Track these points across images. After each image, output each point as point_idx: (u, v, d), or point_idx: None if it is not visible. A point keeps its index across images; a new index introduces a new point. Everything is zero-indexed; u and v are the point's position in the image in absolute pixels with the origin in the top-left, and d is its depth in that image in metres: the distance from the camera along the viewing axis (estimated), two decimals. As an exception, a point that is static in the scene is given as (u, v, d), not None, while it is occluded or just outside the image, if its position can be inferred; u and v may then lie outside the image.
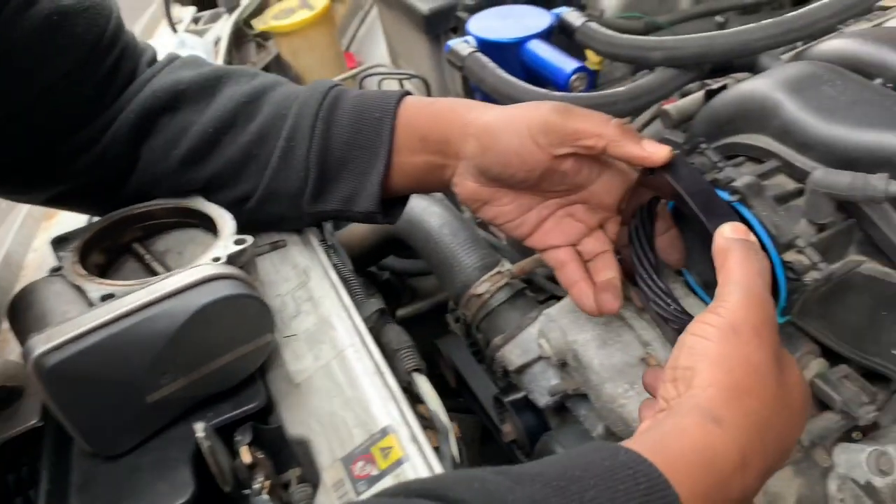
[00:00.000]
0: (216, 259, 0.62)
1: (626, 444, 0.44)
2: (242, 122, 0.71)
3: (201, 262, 0.61)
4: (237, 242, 0.64)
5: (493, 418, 0.96)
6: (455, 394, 1.12)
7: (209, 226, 0.69)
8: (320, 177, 0.69)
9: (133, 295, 0.57)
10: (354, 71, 1.24)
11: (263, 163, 0.70)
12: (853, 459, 0.65)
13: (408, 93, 0.72)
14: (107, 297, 0.58)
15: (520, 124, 0.62)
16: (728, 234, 0.52)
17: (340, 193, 0.70)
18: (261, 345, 0.61)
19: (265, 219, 0.73)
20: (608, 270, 0.66)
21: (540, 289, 0.95)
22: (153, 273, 0.67)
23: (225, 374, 0.59)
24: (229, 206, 0.71)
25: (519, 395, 0.87)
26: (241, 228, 0.67)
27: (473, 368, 1.04)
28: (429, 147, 0.68)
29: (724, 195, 0.59)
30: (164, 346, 0.55)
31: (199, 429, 0.53)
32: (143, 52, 0.75)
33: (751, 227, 0.58)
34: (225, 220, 0.68)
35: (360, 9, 1.69)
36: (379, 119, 0.68)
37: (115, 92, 0.70)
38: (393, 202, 0.73)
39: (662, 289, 0.65)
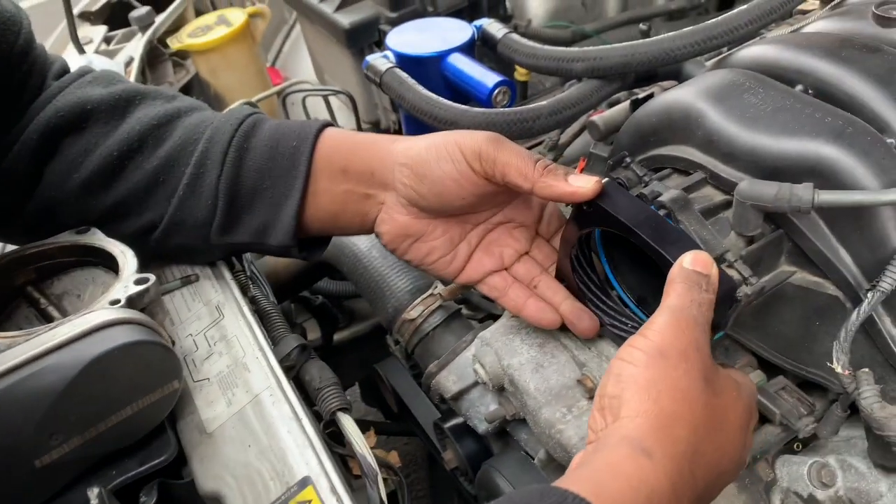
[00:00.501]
0: (114, 302, 0.57)
1: (567, 483, 0.43)
2: (151, 146, 0.66)
3: (97, 307, 0.56)
4: (138, 282, 0.59)
5: (435, 444, 0.92)
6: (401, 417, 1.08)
7: (111, 263, 0.64)
8: (230, 206, 0.65)
9: (17, 349, 0.51)
10: (276, 88, 1.19)
11: (171, 190, 0.66)
12: (795, 472, 0.64)
13: (330, 123, 0.68)
14: (-12, 352, 0.52)
15: (454, 151, 0.60)
16: (686, 265, 0.51)
17: (252, 225, 0.66)
18: (167, 393, 0.56)
19: (173, 251, 0.69)
20: (557, 295, 0.65)
21: (477, 307, 0.93)
22: (49, 319, 0.61)
23: (127, 428, 0.54)
24: (135, 237, 0.66)
25: (459, 421, 0.84)
26: (150, 260, 0.61)
27: (414, 392, 1.01)
28: (351, 178, 0.65)
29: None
30: (52, 404, 0.50)
31: (93, 495, 0.48)
32: (52, 64, 0.70)
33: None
34: (126, 258, 0.62)
35: (285, 23, 1.64)
36: (296, 147, 0.65)
37: (22, 108, 0.66)
38: (312, 241, 0.69)
39: (616, 309, 0.64)
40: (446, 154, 0.60)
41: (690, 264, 0.51)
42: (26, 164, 0.65)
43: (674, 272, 0.51)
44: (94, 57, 1.13)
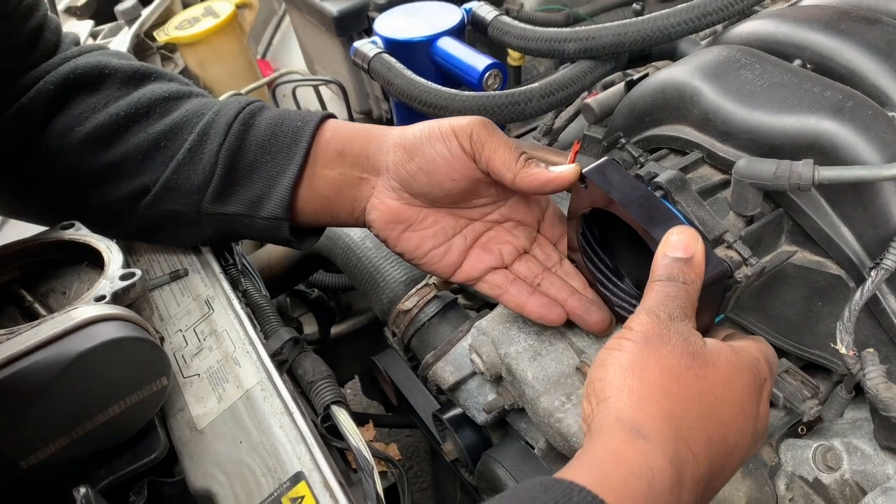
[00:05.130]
0: (99, 298, 0.56)
1: (570, 473, 0.41)
2: (158, 115, 0.68)
3: (81, 303, 0.55)
4: (123, 278, 0.58)
5: (435, 436, 0.91)
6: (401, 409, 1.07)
7: (96, 259, 0.63)
8: (228, 175, 0.65)
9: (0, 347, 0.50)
10: (266, 79, 1.18)
11: (170, 156, 0.66)
12: (799, 456, 0.63)
13: (332, 115, 0.69)
14: (-30, 353, 0.51)
15: (447, 131, 0.60)
16: (670, 253, 0.50)
17: (246, 195, 0.65)
18: (155, 390, 0.55)
19: (160, 219, 0.68)
20: (562, 291, 0.64)
21: (474, 297, 0.91)
22: (34, 317, 0.60)
23: (115, 426, 0.53)
24: (125, 201, 0.66)
25: (458, 412, 0.82)
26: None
27: (413, 384, 1.00)
28: (346, 160, 0.65)
29: (648, 192, 0.56)
30: (37, 404, 0.48)
31: (79, 496, 0.46)
32: (68, 34, 0.73)
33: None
34: (111, 254, 0.61)
35: (274, 14, 1.62)
36: (299, 128, 0.65)
37: (34, 62, 0.68)
38: (301, 232, 0.68)
39: (626, 290, 0.63)
40: (439, 134, 0.60)
41: (673, 249, 0.49)
42: (39, 111, 0.66)
43: (655, 266, 0.50)
44: (79, 51, 1.11)
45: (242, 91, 1.07)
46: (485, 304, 0.89)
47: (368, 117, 1.26)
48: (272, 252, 1.04)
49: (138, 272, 0.58)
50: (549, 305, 0.63)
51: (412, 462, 1.68)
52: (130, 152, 0.66)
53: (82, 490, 0.47)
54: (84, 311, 0.52)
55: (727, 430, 0.46)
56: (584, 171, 0.56)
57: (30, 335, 0.50)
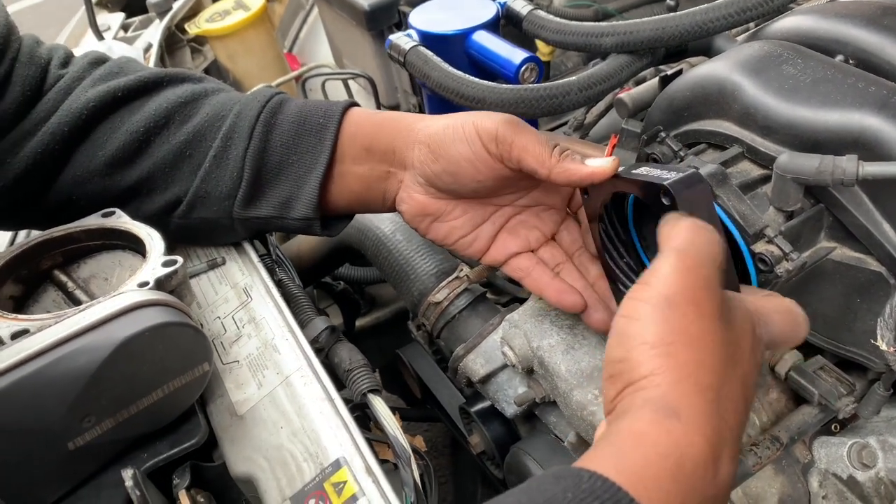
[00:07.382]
0: (143, 284, 0.56)
1: (586, 461, 0.39)
2: (177, 122, 0.67)
3: (126, 289, 0.55)
4: (166, 264, 0.58)
5: (461, 429, 0.92)
6: (424, 402, 1.07)
7: (137, 246, 0.63)
8: (255, 179, 0.65)
9: (48, 331, 0.51)
10: (296, 72, 1.19)
11: (197, 164, 0.66)
12: (833, 453, 0.63)
13: (354, 103, 0.68)
14: (18, 335, 0.52)
15: (470, 131, 0.59)
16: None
17: (276, 198, 0.66)
18: (197, 376, 0.55)
19: (195, 227, 0.68)
20: (577, 283, 0.64)
21: (501, 291, 0.92)
22: (77, 302, 0.61)
23: (158, 410, 0.54)
24: (159, 214, 0.66)
25: (485, 405, 0.83)
26: (173, 241, 0.62)
27: (438, 377, 1.00)
28: (374, 156, 0.65)
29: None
30: (85, 386, 0.49)
31: (128, 476, 0.47)
32: (50, 55, 0.69)
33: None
34: (153, 240, 0.62)
35: (302, 8, 1.63)
36: (322, 125, 0.65)
37: (22, 100, 0.65)
38: (333, 219, 0.69)
39: None
40: (462, 134, 0.59)
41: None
42: (56, 151, 0.65)
43: (667, 218, 0.46)
44: (113, 43, 1.13)
45: (273, 84, 1.07)
46: (513, 299, 0.89)
47: (397, 111, 1.26)
48: (302, 243, 1.05)
49: (180, 259, 0.59)
50: (568, 291, 0.62)
51: (431, 457, 1.69)
52: (157, 166, 0.66)
53: (130, 471, 0.48)
54: (129, 296, 0.53)
55: (745, 386, 0.43)
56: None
57: (77, 319, 0.51)
